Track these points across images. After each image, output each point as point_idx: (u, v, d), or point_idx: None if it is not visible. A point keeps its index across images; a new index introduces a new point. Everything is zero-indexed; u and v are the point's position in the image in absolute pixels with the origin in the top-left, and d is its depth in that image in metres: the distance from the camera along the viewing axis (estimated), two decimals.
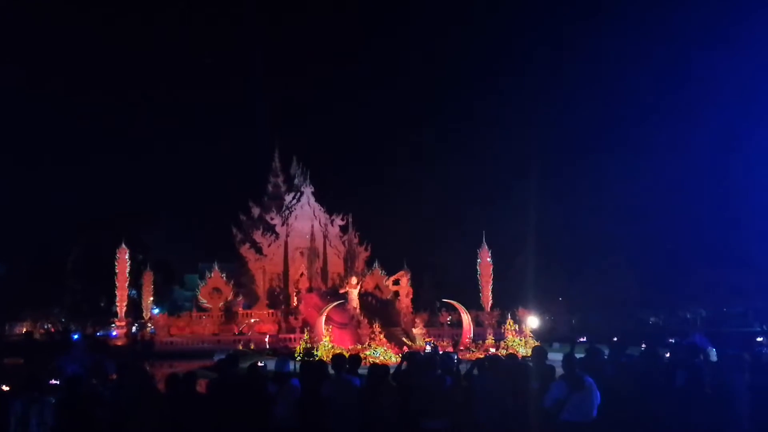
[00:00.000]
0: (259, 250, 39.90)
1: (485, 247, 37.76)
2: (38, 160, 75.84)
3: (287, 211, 40.62)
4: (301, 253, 39.42)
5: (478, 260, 37.92)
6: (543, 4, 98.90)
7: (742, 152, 44.64)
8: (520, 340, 25.18)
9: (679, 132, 57.93)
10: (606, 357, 9.15)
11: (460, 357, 15.27)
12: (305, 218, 40.03)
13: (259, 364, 9.24)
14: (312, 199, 40.74)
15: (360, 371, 7.84)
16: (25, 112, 74.75)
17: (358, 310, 30.50)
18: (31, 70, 78.05)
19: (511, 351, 20.42)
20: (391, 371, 8.24)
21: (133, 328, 39.68)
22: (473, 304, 36.13)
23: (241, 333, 34.33)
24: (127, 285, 37.52)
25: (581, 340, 29.47)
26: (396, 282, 36.00)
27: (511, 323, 27.10)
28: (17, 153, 69.47)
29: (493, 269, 37.62)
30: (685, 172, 50.51)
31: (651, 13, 77.08)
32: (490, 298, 37.57)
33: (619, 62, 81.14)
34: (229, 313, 36.25)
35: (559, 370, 7.27)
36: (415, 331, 30.53)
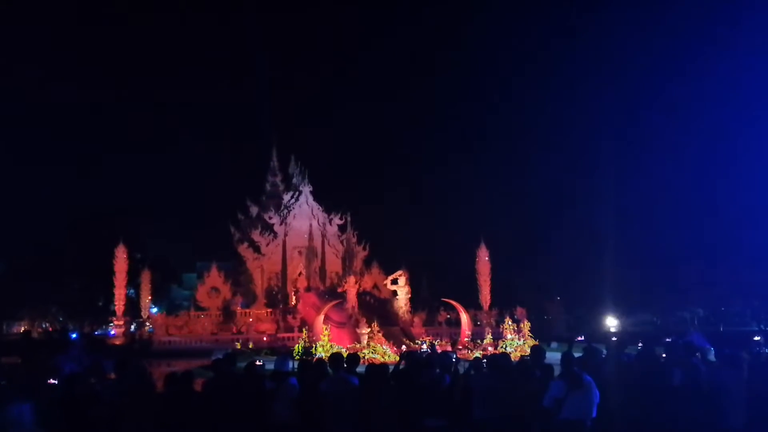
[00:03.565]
0: (257, 249, 39.89)
1: (484, 246, 37.84)
2: (36, 158, 75.67)
3: (285, 210, 40.62)
4: (300, 253, 39.43)
5: (477, 259, 38.01)
6: (537, 4, 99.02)
7: (741, 149, 44.73)
8: (519, 341, 25.20)
9: (678, 130, 58.02)
10: (603, 356, 9.18)
11: (459, 356, 15.28)
12: (303, 217, 40.04)
13: (258, 363, 9.24)
14: (310, 198, 40.74)
15: (358, 370, 7.85)
16: (24, 110, 74.60)
17: (356, 310, 30.54)
18: (30, 68, 77.89)
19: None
20: (390, 370, 8.25)
21: (132, 327, 39.69)
22: (472, 303, 36.17)
23: (239, 332, 34.34)
24: (125, 284, 37.53)
25: (579, 339, 29.54)
26: (394, 281, 35.99)
27: (509, 322, 27.15)
28: (15, 151, 69.32)
29: (491, 269, 37.70)
30: (682, 169, 50.59)
31: (652, 11, 77.17)
32: (489, 297, 37.65)
33: (614, 59, 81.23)
34: (228, 313, 36.26)
35: (557, 370, 7.28)
36: (413, 330, 30.57)
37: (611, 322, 44.60)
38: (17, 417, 6.11)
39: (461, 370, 8.91)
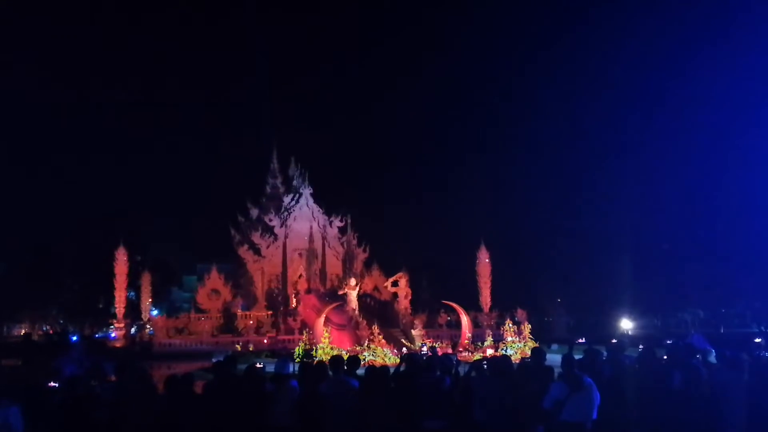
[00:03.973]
0: (257, 251, 39.86)
1: (484, 248, 37.83)
2: (37, 160, 75.81)
3: (286, 213, 40.59)
4: (300, 255, 39.38)
5: (477, 261, 37.98)
6: (539, 6, 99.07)
7: (741, 151, 44.68)
8: (520, 343, 25.09)
9: (677, 131, 58.04)
10: (604, 358, 9.18)
11: (459, 359, 15.24)
12: (304, 219, 40.00)
13: (258, 365, 9.23)
14: (311, 201, 40.71)
15: (359, 372, 7.85)
16: (24, 112, 74.73)
17: (356, 312, 30.45)
18: (31, 70, 78.00)
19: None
20: (390, 372, 8.24)
21: (132, 330, 39.64)
22: (472, 305, 36.14)
23: (239, 334, 34.30)
24: (125, 286, 37.48)
25: (579, 341, 29.48)
26: (395, 283, 35.95)
27: (510, 324, 27.08)
28: (16, 152, 69.44)
29: (491, 271, 37.69)
30: (683, 171, 50.58)
31: (649, 11, 77.24)
32: (489, 299, 37.62)
33: (613, 60, 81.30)
34: (228, 315, 36.21)
35: (558, 372, 7.28)
36: (413, 332, 30.50)
37: (626, 325, 44.59)
38: (2, 420, 6.09)
39: (461, 372, 8.90)
